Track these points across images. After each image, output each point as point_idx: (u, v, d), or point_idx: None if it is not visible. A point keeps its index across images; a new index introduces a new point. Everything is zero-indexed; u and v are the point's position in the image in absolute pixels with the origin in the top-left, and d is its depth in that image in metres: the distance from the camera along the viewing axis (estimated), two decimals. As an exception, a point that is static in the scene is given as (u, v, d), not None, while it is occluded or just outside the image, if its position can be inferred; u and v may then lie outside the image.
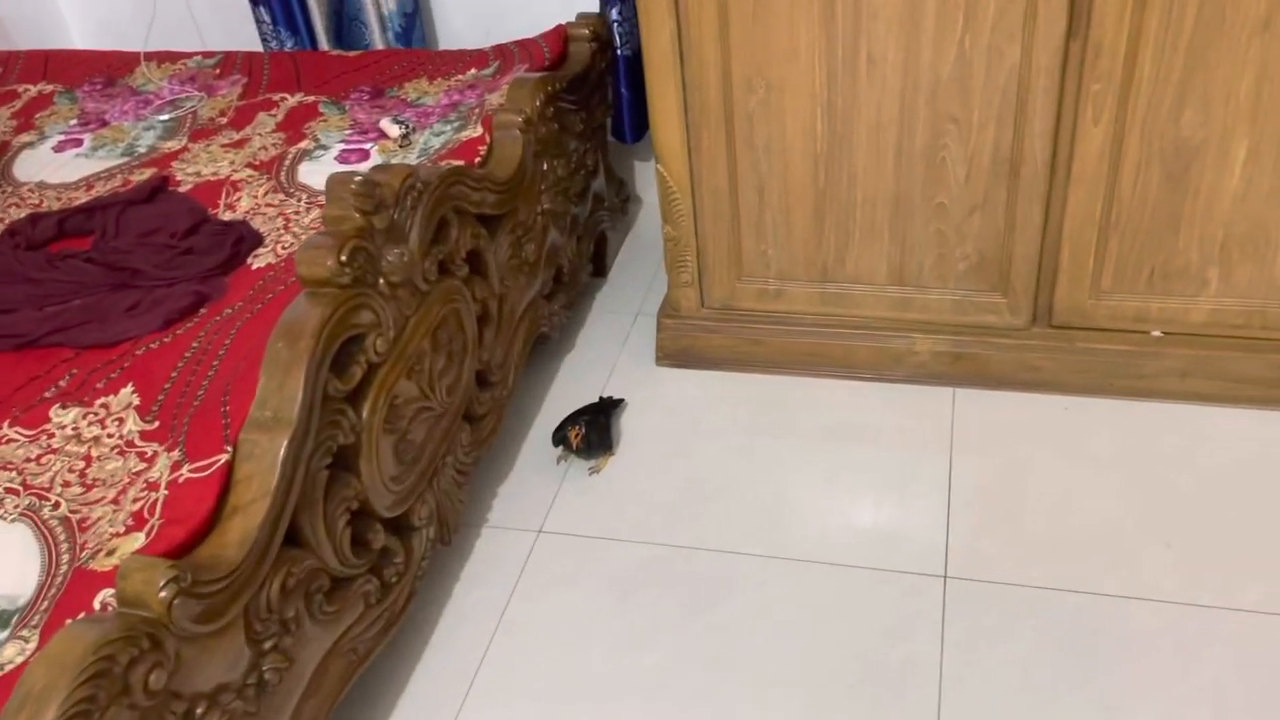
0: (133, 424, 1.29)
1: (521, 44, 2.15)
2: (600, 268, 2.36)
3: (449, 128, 1.91)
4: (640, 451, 1.89)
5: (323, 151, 1.91)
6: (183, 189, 1.84)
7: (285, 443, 1.18)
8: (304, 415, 1.20)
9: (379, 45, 2.44)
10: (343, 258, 1.28)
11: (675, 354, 2.07)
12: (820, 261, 1.90)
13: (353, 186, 1.33)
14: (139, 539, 1.10)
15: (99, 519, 1.16)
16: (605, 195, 2.29)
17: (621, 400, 1.97)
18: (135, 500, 1.16)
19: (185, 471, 1.17)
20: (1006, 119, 1.67)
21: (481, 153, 1.78)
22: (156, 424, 1.29)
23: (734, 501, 1.77)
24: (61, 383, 1.39)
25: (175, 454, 1.21)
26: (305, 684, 1.28)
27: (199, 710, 1.07)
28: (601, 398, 1.96)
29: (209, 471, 1.16)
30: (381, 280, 1.38)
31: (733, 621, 1.57)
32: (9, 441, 1.30)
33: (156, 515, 1.12)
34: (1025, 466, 1.77)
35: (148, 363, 1.39)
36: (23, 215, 1.81)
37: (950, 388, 1.94)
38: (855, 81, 1.69)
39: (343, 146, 1.92)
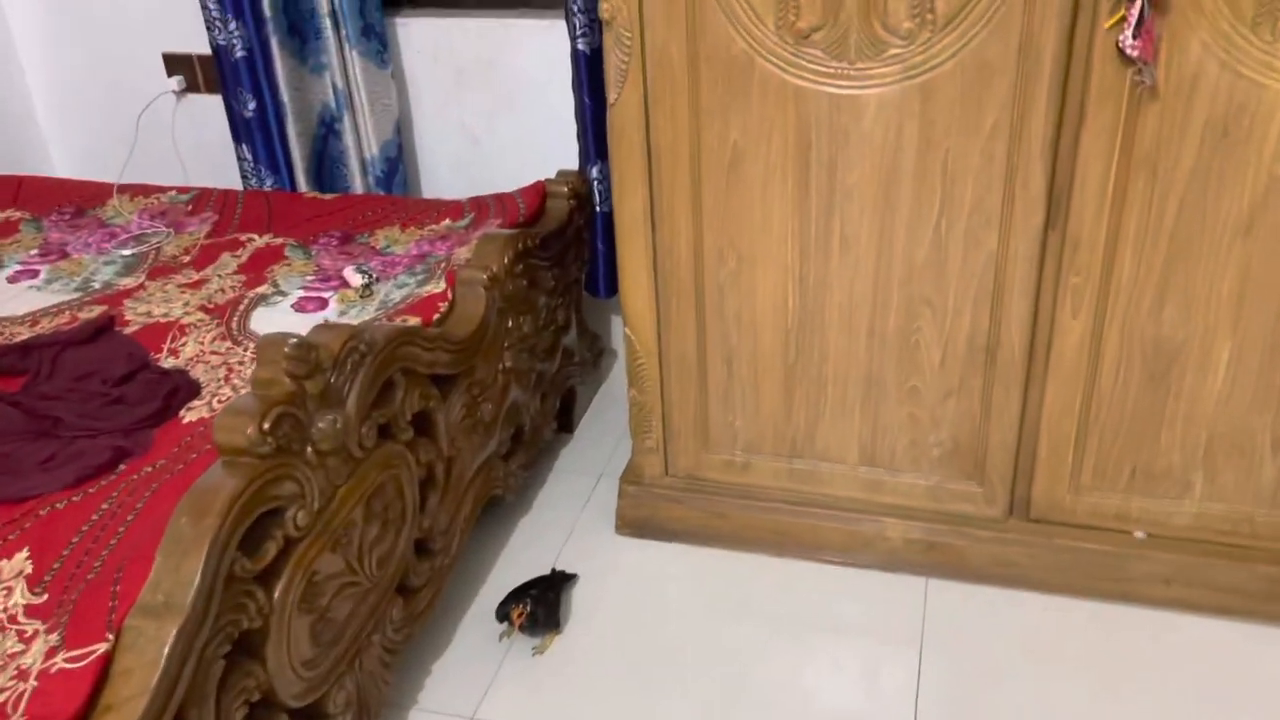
0: (20, 596, 1.18)
1: (499, 198, 2.12)
2: (566, 423, 2.28)
3: (413, 280, 1.86)
4: (590, 629, 1.77)
5: (280, 298, 1.85)
6: (129, 329, 1.77)
7: (174, 632, 1.07)
8: (200, 601, 1.10)
9: (358, 189, 2.42)
10: (265, 425, 1.20)
11: (636, 523, 1.97)
12: (789, 436, 1.82)
13: (286, 349, 1.26)
14: (-10, 741, 0.98)
15: (-46, 712, 1.04)
16: (576, 350, 2.23)
17: (574, 576, 1.86)
18: (1, 690, 1.05)
19: (60, 660, 1.06)
20: (983, 305, 1.62)
21: (442, 309, 1.72)
22: (45, 597, 1.18)
23: (687, 692, 1.64)
24: (-45, 541, 1.28)
25: (54, 637, 1.10)
26: None
27: None
28: (553, 570, 1.85)
29: (84, 662, 1.05)
30: (309, 448, 1.29)
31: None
32: (-118, 607, 1.19)
33: (19, 711, 1.01)
34: (999, 669, 1.65)
35: (50, 524, 1.29)
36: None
37: (923, 577, 1.83)
38: (828, 259, 1.65)
39: (302, 294, 1.86)
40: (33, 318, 1.85)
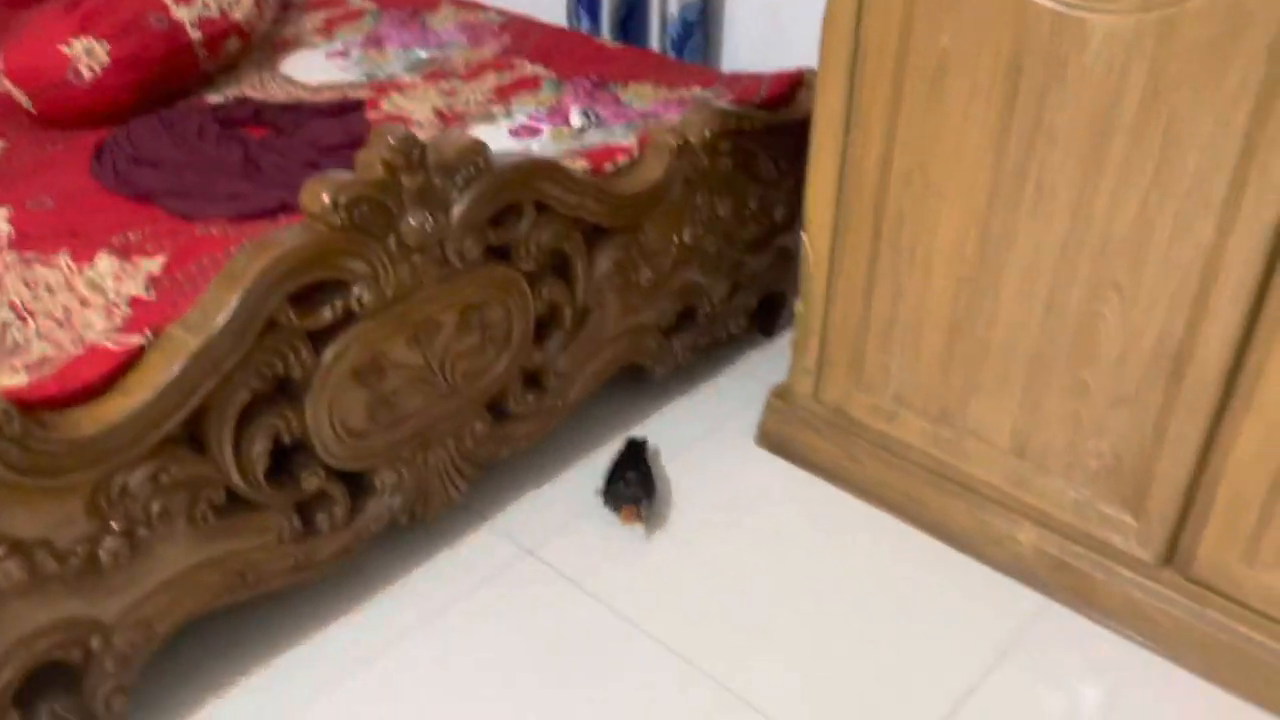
0: (133, 286, 1.38)
1: (754, 77, 2.04)
2: (767, 327, 2.20)
3: (621, 132, 1.86)
4: (675, 524, 1.74)
5: (506, 120, 1.93)
6: (373, 116, 1.94)
7: (197, 347, 1.20)
8: (232, 330, 1.22)
9: (654, 47, 2.44)
10: (341, 199, 1.28)
11: (775, 440, 1.89)
12: (942, 398, 1.64)
13: (391, 140, 1.32)
14: (20, 378, 1.17)
15: (24, 349, 1.25)
16: (797, 256, 2.13)
17: (645, 440, 1.83)
18: (60, 346, 1.24)
19: (108, 341, 1.23)
20: (1181, 306, 1.34)
21: (619, 162, 1.71)
22: (153, 295, 1.36)
23: (731, 615, 1.57)
24: (130, 236, 1.51)
25: (119, 322, 1.28)
26: (162, 579, 1.30)
27: (-2, 550, 1.12)
28: (631, 440, 1.82)
29: (120, 348, 1.21)
30: (392, 237, 1.36)
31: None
32: (49, 266, 1.43)
33: (50, 369, 1.19)
34: (1070, 710, 1.42)
35: (198, 244, 1.47)
36: (255, 99, 2.00)
37: (1043, 596, 1.60)
38: (1018, 208, 1.43)
39: (525, 120, 1.93)
40: (319, 90, 2.08)
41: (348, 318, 1.36)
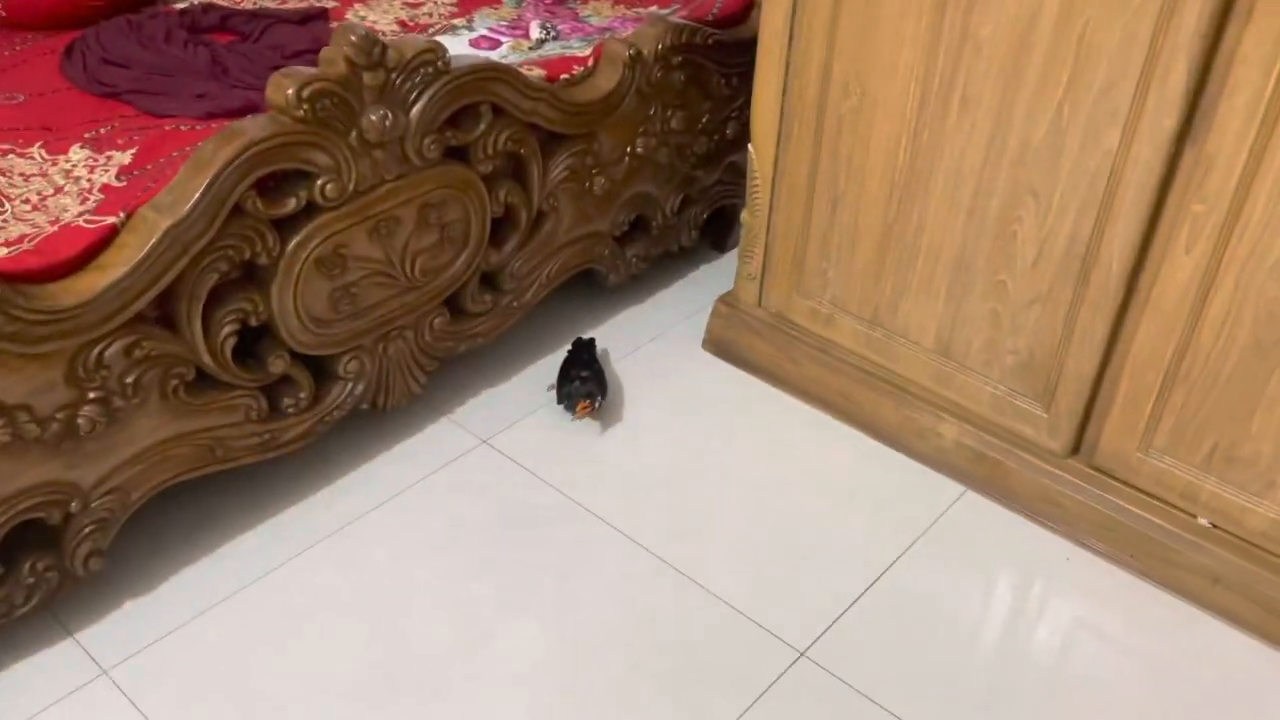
0: (106, 175, 1.44)
1: (710, -5, 2.11)
2: (719, 243, 2.30)
3: (580, 46, 1.93)
4: (623, 420, 1.84)
5: (466, 32, 1.99)
6: (334, 26, 1.99)
7: (166, 226, 1.27)
8: (200, 214, 1.30)
9: (617, -33, 2.49)
10: (304, 93, 1.35)
11: (719, 344, 1.99)
12: (874, 301, 1.75)
13: (352, 37, 1.39)
14: None
15: (2, 229, 1.32)
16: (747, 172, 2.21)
17: (593, 339, 1.93)
18: (35, 226, 1.31)
19: (81, 220, 1.30)
20: (1089, 211, 1.44)
21: (574, 72, 1.78)
22: (124, 184, 1.43)
23: (672, 499, 1.69)
24: (101, 130, 1.57)
25: (92, 205, 1.35)
26: (136, 449, 1.39)
27: (-19, 409, 1.21)
28: (579, 339, 1.92)
29: (94, 226, 1.28)
30: (354, 133, 1.43)
31: (573, 591, 1.52)
32: (23, 157, 1.50)
33: (29, 244, 1.26)
34: (971, 595, 1.55)
35: (167, 139, 1.53)
36: (223, 5, 2.05)
37: (961, 485, 1.73)
38: (945, 117, 1.53)
39: (485, 33, 1.99)
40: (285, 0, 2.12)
41: (311, 209, 1.44)
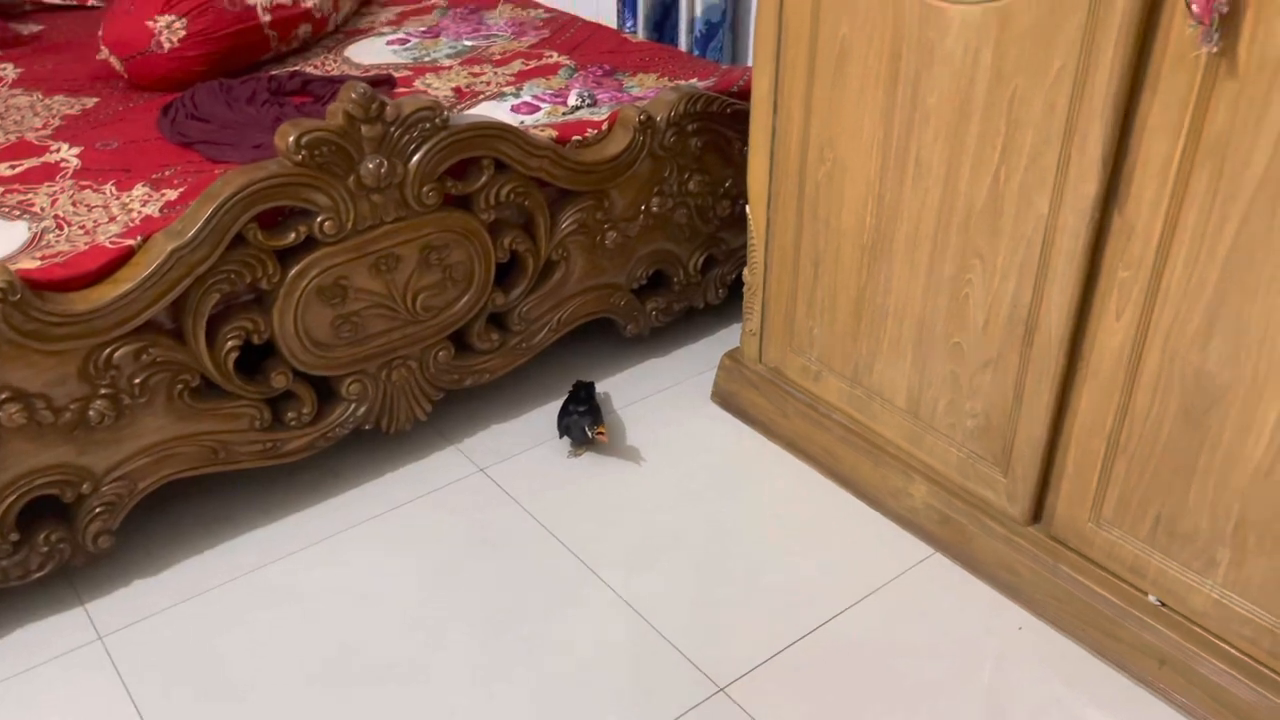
0: (152, 209, 1.68)
1: (744, 69, 2.23)
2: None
3: (606, 110, 2.08)
4: (616, 462, 1.94)
5: (512, 98, 2.18)
6: (401, 91, 2.22)
7: (170, 249, 1.49)
8: (204, 240, 1.50)
9: (682, 46, 2.65)
10: (301, 140, 1.55)
11: (724, 396, 2.07)
12: (854, 359, 1.79)
13: (354, 94, 1.59)
14: (34, 264, 1.48)
15: (51, 248, 1.56)
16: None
17: (591, 383, 2.02)
18: (72, 242, 1.55)
19: (106, 241, 1.53)
20: (1028, 274, 1.46)
21: (589, 135, 1.93)
22: (163, 216, 1.67)
23: (643, 536, 1.77)
24: (166, 172, 1.82)
25: (124, 231, 1.58)
26: (144, 443, 1.59)
27: (2, 396, 1.43)
28: (579, 382, 2.02)
29: (114, 247, 1.51)
30: (353, 177, 1.62)
31: (522, 609, 1.62)
32: (96, 192, 1.76)
33: (61, 259, 1.49)
34: (912, 654, 1.55)
35: (210, 180, 1.77)
36: (309, 73, 2.32)
37: (930, 547, 1.73)
38: (903, 182, 1.58)
39: (528, 99, 2.17)
40: (368, 69, 2.38)
41: (312, 243, 1.63)
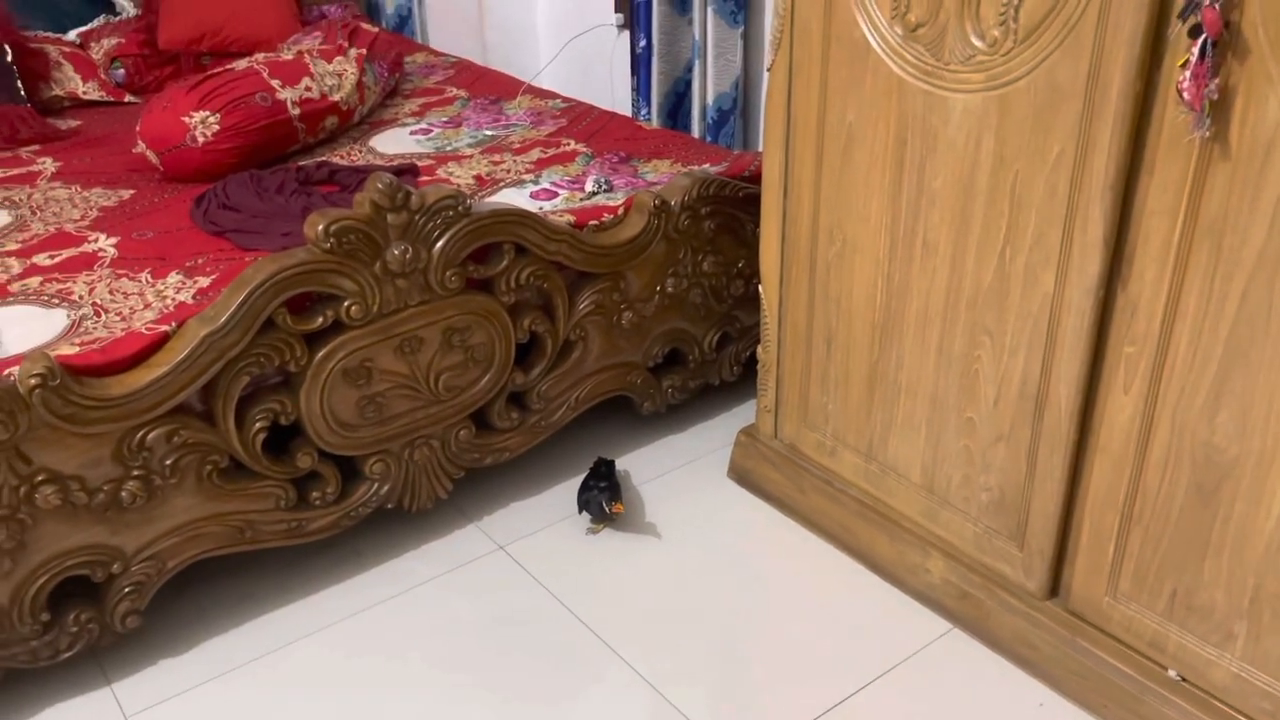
0: (186, 295, 1.74)
1: (756, 155, 2.30)
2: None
3: (622, 196, 2.15)
4: (634, 537, 1.96)
5: (533, 185, 2.25)
6: (425, 179, 2.30)
7: (203, 335, 1.54)
8: (235, 325, 1.56)
9: (695, 132, 2.73)
10: (330, 229, 1.61)
11: (741, 472, 2.10)
12: (868, 435, 1.82)
13: (379, 184, 1.65)
14: (73, 349, 1.53)
15: (89, 334, 1.62)
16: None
17: (612, 461, 2.03)
18: (109, 328, 1.61)
19: (143, 328, 1.59)
20: (1036, 350, 1.50)
21: (605, 220, 1.99)
22: (196, 302, 1.73)
23: (661, 615, 1.78)
24: (199, 260, 1.89)
25: (159, 317, 1.64)
26: (174, 523, 1.63)
27: (39, 478, 1.47)
28: (600, 459, 2.04)
29: (150, 334, 1.56)
30: (379, 264, 1.68)
31: (541, 687, 1.63)
32: (133, 280, 1.82)
33: (98, 345, 1.55)
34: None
35: (241, 268, 1.84)
36: (336, 163, 2.41)
37: (948, 623, 1.74)
38: (911, 262, 1.63)
39: (549, 186, 2.25)
40: (392, 159, 2.47)
41: (338, 326, 1.68)
